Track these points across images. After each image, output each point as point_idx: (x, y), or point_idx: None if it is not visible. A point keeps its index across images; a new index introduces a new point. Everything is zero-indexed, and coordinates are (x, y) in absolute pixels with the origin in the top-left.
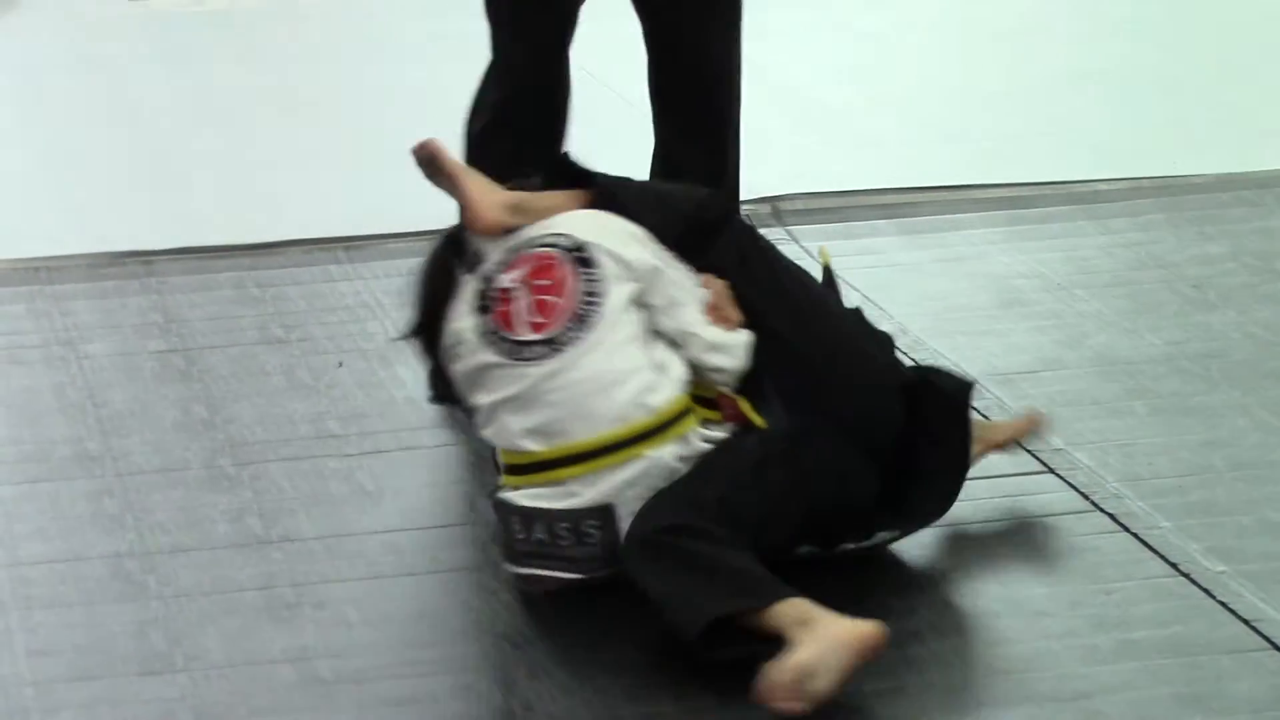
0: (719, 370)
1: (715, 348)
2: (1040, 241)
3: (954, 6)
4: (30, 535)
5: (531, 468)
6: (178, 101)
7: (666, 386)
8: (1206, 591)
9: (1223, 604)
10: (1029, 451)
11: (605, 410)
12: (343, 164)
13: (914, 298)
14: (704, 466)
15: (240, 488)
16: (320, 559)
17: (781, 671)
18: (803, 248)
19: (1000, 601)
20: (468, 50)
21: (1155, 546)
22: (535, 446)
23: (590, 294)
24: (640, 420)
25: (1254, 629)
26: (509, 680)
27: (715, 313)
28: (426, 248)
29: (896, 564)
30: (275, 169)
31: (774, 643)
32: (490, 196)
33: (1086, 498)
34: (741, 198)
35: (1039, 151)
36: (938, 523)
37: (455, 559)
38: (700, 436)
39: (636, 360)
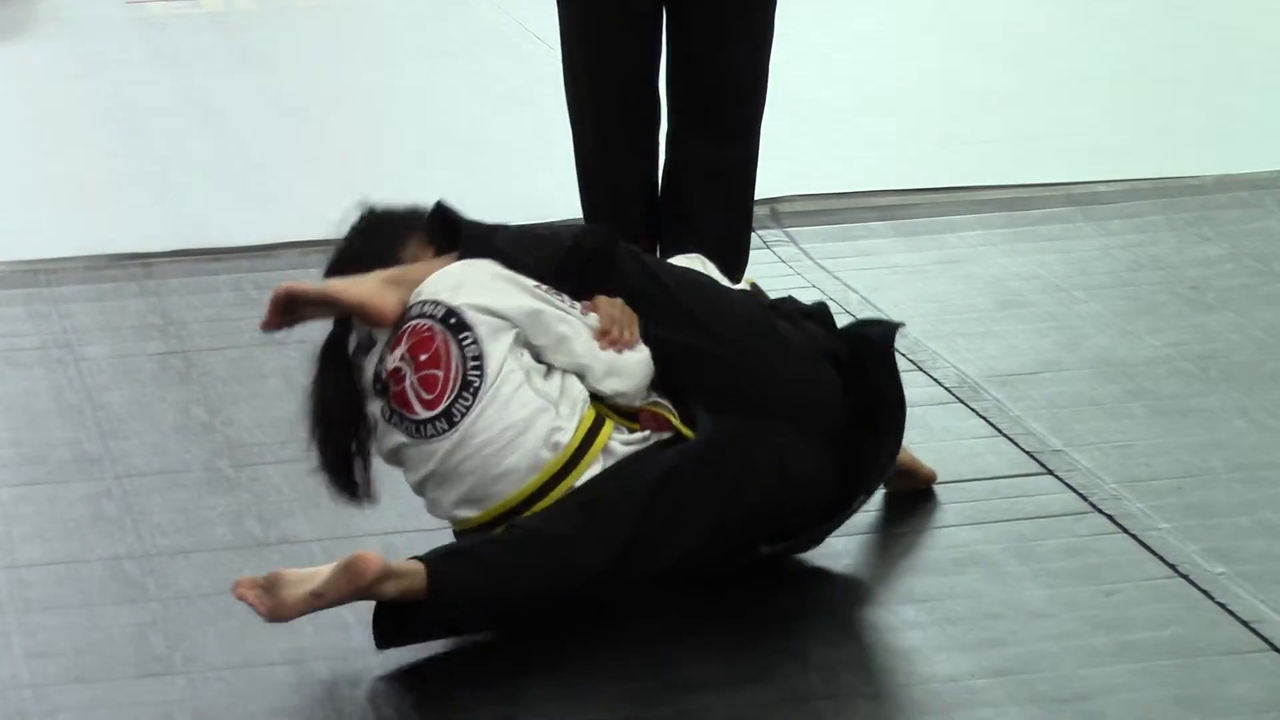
0: (619, 394)
1: (611, 372)
2: (1038, 243)
3: (952, 8)
4: (29, 537)
5: (475, 531)
6: (175, 104)
7: (570, 415)
8: (1205, 593)
9: (1221, 605)
10: (1028, 453)
11: (518, 463)
12: (340, 166)
13: (912, 299)
14: (601, 475)
15: (239, 490)
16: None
17: (260, 577)
18: (801, 249)
19: (998, 602)
20: (460, 52)
21: (1154, 548)
22: (470, 514)
23: (473, 359)
24: (554, 460)
25: (1252, 630)
26: (505, 680)
27: (606, 337)
28: (309, 369)
29: (894, 564)
30: (273, 171)
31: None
32: (369, 288)
33: (1085, 499)
34: None
35: (1037, 153)
36: (938, 523)
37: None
38: (621, 442)
39: (532, 404)
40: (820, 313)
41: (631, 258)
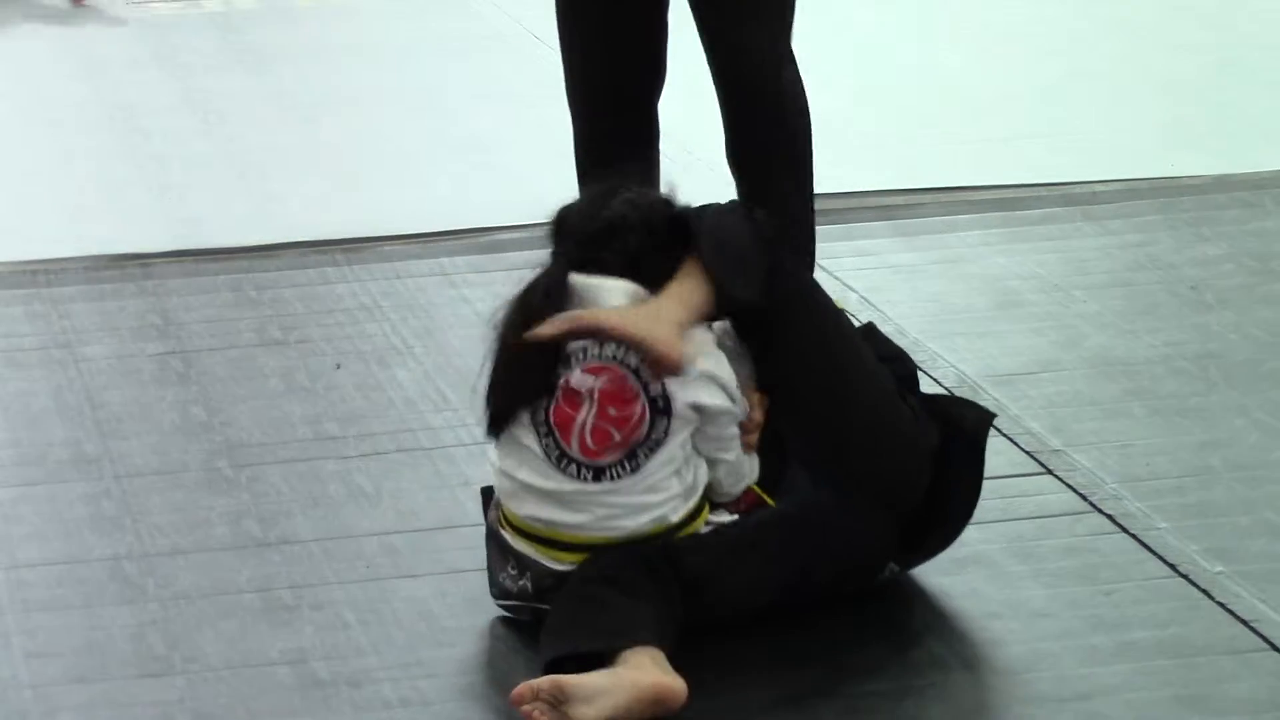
0: (727, 495)
1: (742, 478)
2: (1037, 243)
3: (951, 8)
4: (28, 538)
5: (534, 536)
6: (175, 104)
7: (689, 503)
8: (1205, 592)
9: (1221, 605)
10: (1027, 453)
11: (622, 529)
12: (340, 166)
13: (911, 299)
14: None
15: (238, 490)
16: (318, 561)
17: (543, 681)
18: None
19: (998, 602)
20: (460, 52)
21: (1154, 547)
22: (542, 529)
23: (654, 441)
24: (650, 532)
25: (1252, 629)
26: (507, 682)
27: (746, 436)
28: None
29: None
30: (272, 171)
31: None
32: (665, 330)
33: (1085, 499)
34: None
35: (1036, 153)
36: None
37: (453, 560)
38: (709, 525)
39: (670, 490)
40: (909, 376)
41: (805, 288)
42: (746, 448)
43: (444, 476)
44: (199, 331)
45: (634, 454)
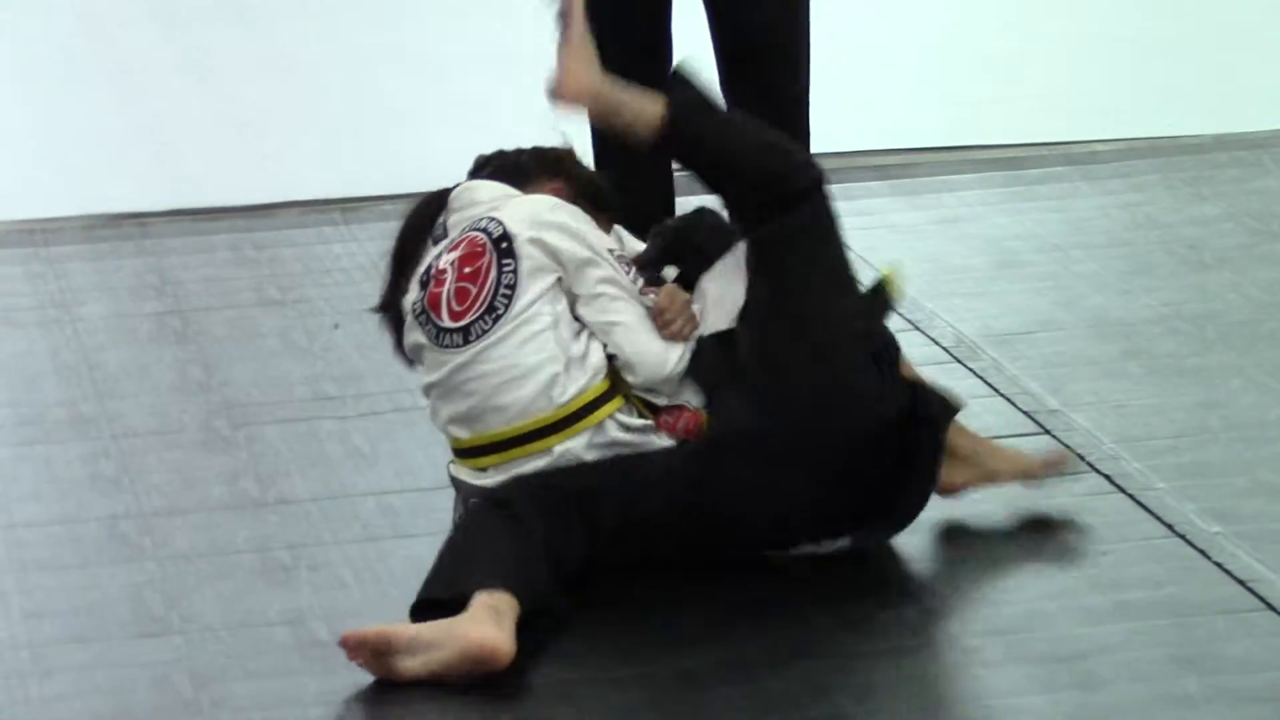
0: (645, 381)
1: (635, 346)
2: (1036, 203)
3: None
4: (26, 498)
5: (461, 452)
6: (173, 63)
7: (579, 378)
8: (1202, 552)
9: (1218, 565)
10: (1025, 413)
11: (512, 403)
12: (339, 125)
13: (910, 259)
14: (595, 465)
15: (236, 450)
16: (316, 521)
17: (369, 631)
18: None
19: (996, 562)
20: (456, 10)
21: (1151, 507)
22: (460, 434)
23: (506, 286)
24: (545, 414)
25: (1249, 589)
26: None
27: (661, 318)
28: (410, 206)
29: None
30: (271, 131)
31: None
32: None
33: (1082, 458)
34: None
35: (1035, 112)
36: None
37: (450, 520)
38: (618, 425)
39: (545, 351)
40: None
41: (811, 217)
42: (671, 336)
43: (441, 435)
44: (197, 291)
45: (493, 305)
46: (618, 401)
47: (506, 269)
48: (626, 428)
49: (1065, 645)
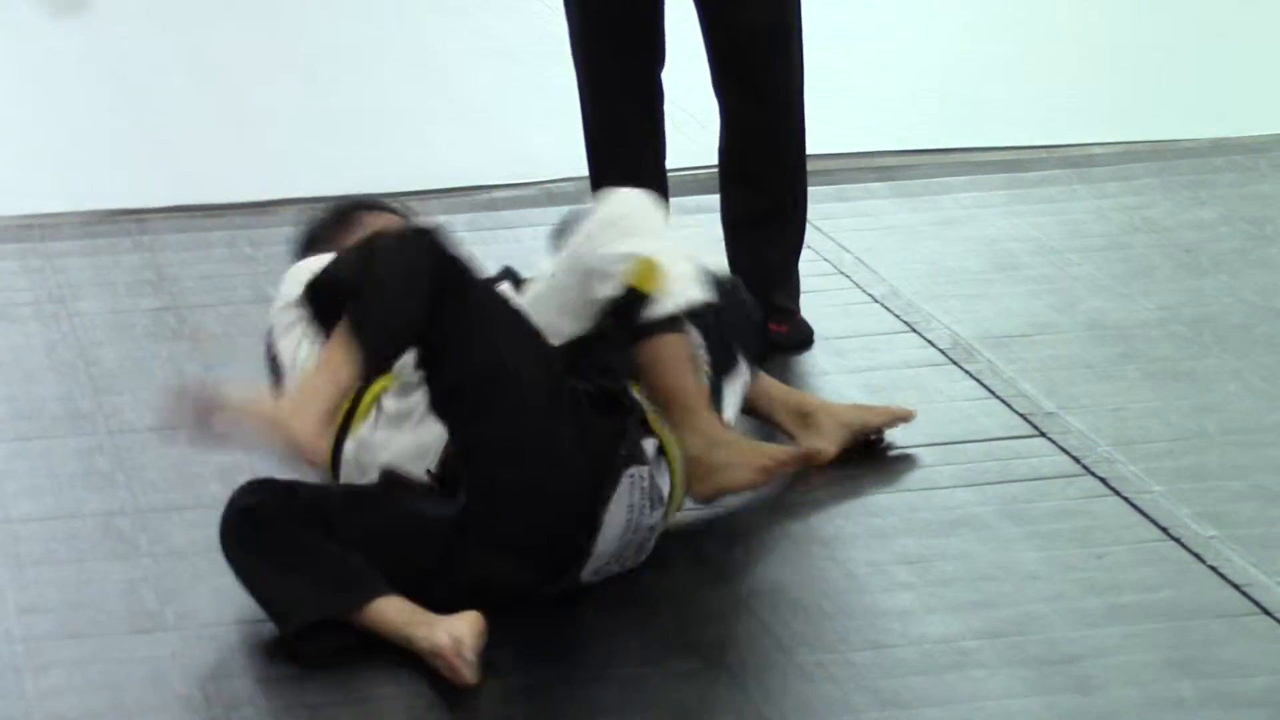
0: None
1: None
2: (1034, 205)
3: None
4: (21, 493)
5: None
6: (171, 61)
7: None
8: (1197, 556)
9: (1213, 569)
10: (1021, 415)
11: None
12: (337, 123)
13: (907, 260)
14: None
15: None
16: None
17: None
18: None
19: (990, 564)
20: (458, 10)
21: (1146, 511)
22: None
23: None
24: None
25: (1244, 594)
26: (506, 631)
27: None
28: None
29: (887, 525)
30: (269, 129)
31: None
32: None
33: (1078, 461)
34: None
35: (1033, 115)
36: (931, 484)
37: None
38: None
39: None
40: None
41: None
42: None
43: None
44: (193, 288)
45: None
46: (386, 381)
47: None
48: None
49: (1060, 648)
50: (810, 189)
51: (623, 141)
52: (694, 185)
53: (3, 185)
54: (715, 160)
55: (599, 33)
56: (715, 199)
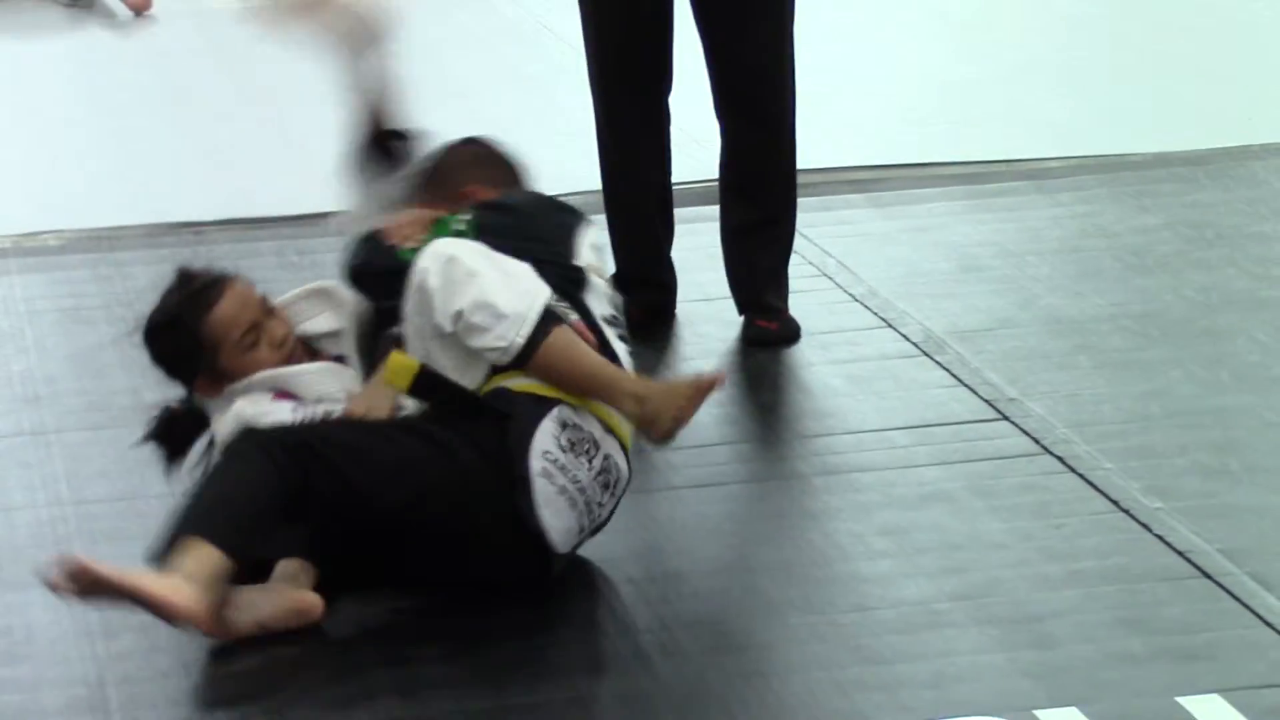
0: None
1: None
2: (996, 214)
3: (924, 4)
4: (95, 476)
5: None
6: (224, 85)
7: None
8: (1145, 526)
9: (1159, 537)
10: (986, 401)
11: None
12: None
13: (883, 263)
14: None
15: None
16: None
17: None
18: None
19: (959, 534)
20: (481, 43)
21: (1099, 486)
22: None
23: None
24: None
25: (1186, 559)
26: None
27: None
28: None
29: (868, 500)
30: (313, 147)
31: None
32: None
33: (1037, 442)
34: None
35: (995, 132)
36: (906, 463)
37: None
38: None
39: None
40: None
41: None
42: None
43: None
44: None
45: None
46: None
47: None
48: None
49: (1023, 609)
50: (798, 200)
51: (634, 161)
52: (694, 197)
53: (76, 200)
54: (714, 175)
55: (617, 66)
56: (714, 209)
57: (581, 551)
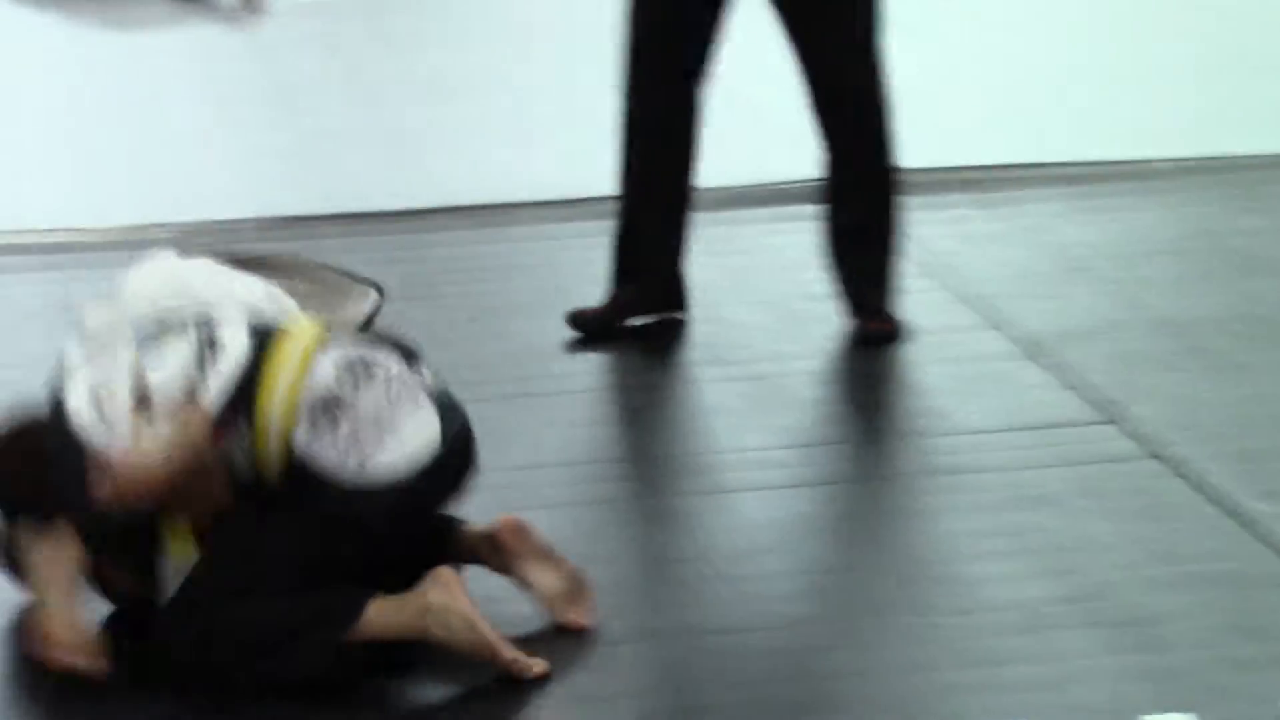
0: None
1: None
2: (1103, 215)
3: (1033, 5)
4: None
5: None
6: (332, 84)
7: None
8: (1253, 530)
9: (1268, 543)
10: (1092, 404)
11: None
12: (475, 141)
13: (989, 264)
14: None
15: None
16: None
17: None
18: None
19: (1068, 536)
20: (587, 34)
21: (1207, 489)
22: None
23: None
24: None
25: None
26: (650, 596)
27: None
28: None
29: (978, 503)
30: (416, 144)
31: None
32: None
33: (1144, 445)
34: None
35: (1103, 134)
36: (1014, 466)
37: (577, 494)
38: None
39: None
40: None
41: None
42: None
43: (565, 416)
44: None
45: None
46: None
47: None
48: None
49: (1133, 612)
50: (902, 200)
51: (654, 148)
52: (798, 195)
53: (192, 195)
54: (817, 176)
55: (649, 57)
56: (810, 209)
57: (683, 549)
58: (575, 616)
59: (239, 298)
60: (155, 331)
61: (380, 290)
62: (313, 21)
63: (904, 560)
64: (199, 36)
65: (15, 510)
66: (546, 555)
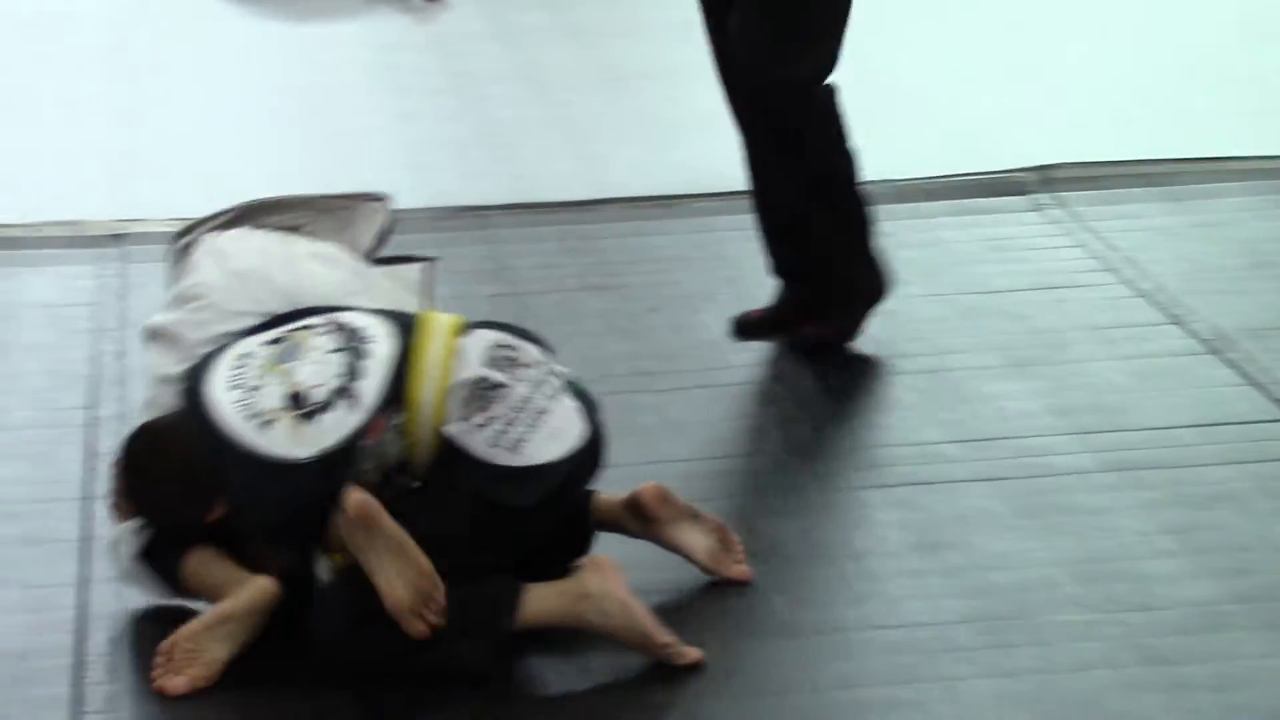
0: None
1: None
2: None
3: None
4: None
5: None
6: (510, 73)
7: None
8: None
9: None
10: (1276, 401)
11: None
12: (656, 131)
13: (1170, 259)
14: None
15: None
16: (632, 484)
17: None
18: (1069, 212)
19: (1248, 535)
20: None
21: None
22: None
23: None
24: None
25: None
26: (796, 590)
27: None
28: None
29: (1150, 497)
30: (597, 134)
31: None
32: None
33: None
34: (1013, 166)
35: None
36: (1192, 462)
37: (752, 485)
38: None
39: None
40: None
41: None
42: None
43: (743, 408)
44: (529, 276)
45: None
46: None
47: None
48: None
49: None
50: (1083, 194)
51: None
52: (962, 190)
53: (363, 184)
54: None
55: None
56: (985, 203)
57: (860, 544)
58: (735, 571)
59: (321, 281)
60: (282, 333)
61: (385, 200)
62: (493, 13)
63: (1083, 556)
64: (380, 29)
65: (167, 518)
66: (693, 515)
